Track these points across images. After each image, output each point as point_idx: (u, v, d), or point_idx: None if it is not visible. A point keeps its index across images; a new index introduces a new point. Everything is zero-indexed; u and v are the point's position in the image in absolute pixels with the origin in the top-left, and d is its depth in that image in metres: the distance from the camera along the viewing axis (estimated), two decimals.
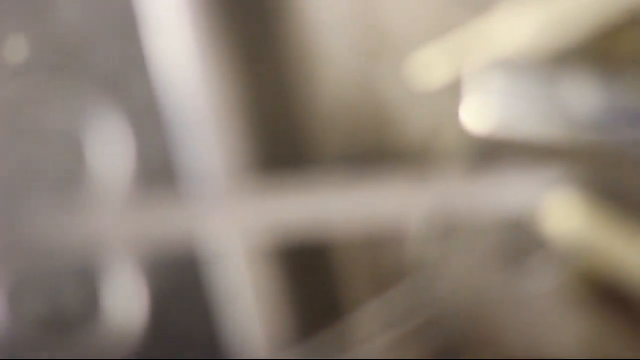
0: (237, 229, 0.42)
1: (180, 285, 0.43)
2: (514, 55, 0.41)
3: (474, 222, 0.42)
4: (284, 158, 0.43)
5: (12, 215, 0.41)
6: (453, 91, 0.42)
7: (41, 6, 0.43)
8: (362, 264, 0.43)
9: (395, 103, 0.43)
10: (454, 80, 0.42)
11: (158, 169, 0.43)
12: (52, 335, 0.43)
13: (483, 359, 0.42)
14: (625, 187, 0.41)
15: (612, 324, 0.41)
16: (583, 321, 0.41)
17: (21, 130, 0.43)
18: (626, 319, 0.41)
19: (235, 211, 0.41)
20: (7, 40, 0.43)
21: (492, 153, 0.41)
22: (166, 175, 0.43)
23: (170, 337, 0.43)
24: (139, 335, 0.42)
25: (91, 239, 0.41)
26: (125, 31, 0.43)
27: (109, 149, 0.42)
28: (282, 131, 0.43)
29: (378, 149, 0.43)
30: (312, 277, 0.43)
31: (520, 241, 0.41)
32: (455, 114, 0.42)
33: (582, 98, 0.40)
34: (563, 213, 0.41)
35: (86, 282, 0.43)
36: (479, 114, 0.41)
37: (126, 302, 0.42)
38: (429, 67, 0.42)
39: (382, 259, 0.43)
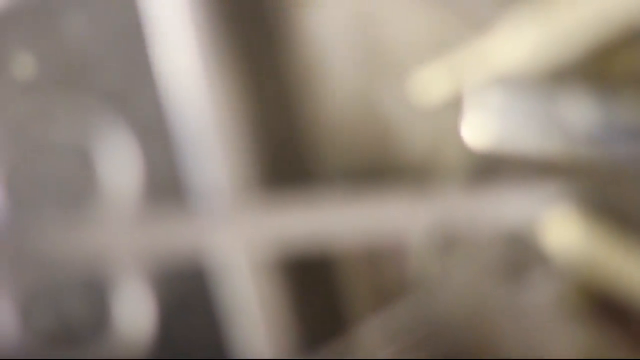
0: (243, 243, 0.42)
1: (187, 298, 0.43)
2: (514, 73, 0.41)
3: (474, 237, 0.42)
4: (289, 174, 0.43)
5: (22, 229, 0.42)
6: (454, 108, 0.42)
7: (49, 24, 0.43)
8: (365, 278, 0.43)
9: (397, 119, 0.43)
10: (455, 98, 0.42)
11: (165, 184, 0.43)
12: (61, 348, 0.43)
13: None
14: (623, 203, 0.41)
15: (610, 337, 0.41)
16: (582, 335, 0.41)
17: (31, 146, 0.43)
18: (624, 333, 0.41)
19: (241, 225, 0.41)
20: (16, 58, 0.43)
21: (492, 169, 0.41)
22: (173, 190, 0.43)
23: (177, 350, 0.43)
24: (147, 347, 0.42)
25: (100, 252, 0.41)
26: (133, 48, 0.43)
27: (118, 164, 0.43)
28: (287, 147, 0.43)
29: (380, 165, 0.43)
30: (316, 290, 0.43)
31: (520, 256, 0.41)
32: (456, 131, 0.42)
33: (581, 115, 0.40)
34: (562, 228, 0.41)
35: (95, 296, 0.43)
36: (480, 131, 0.41)
37: (134, 315, 0.42)
38: (430, 84, 0.42)
39: (385, 273, 0.43)
